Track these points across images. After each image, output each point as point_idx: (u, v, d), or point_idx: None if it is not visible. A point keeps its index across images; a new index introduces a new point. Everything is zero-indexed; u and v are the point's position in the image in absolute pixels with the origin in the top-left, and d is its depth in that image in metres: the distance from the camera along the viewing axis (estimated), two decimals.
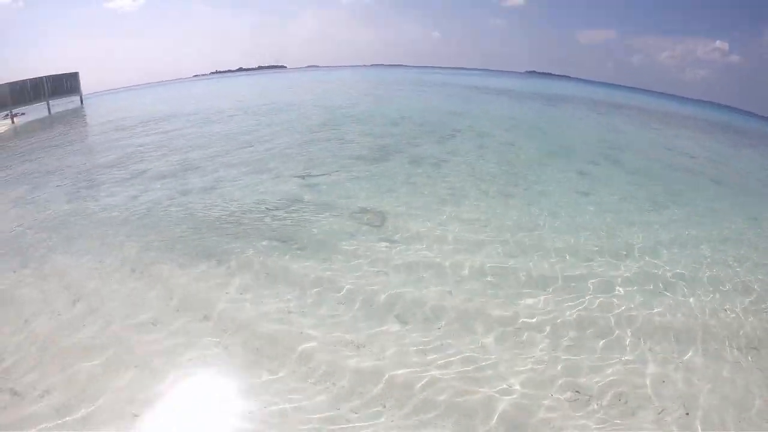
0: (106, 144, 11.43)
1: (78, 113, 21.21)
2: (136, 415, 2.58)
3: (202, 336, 3.27)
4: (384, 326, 3.36)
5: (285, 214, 5.54)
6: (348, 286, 3.91)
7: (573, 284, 4.22)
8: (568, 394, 2.85)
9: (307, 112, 14.95)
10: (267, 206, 5.86)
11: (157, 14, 72.29)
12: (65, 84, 21.73)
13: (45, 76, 20.06)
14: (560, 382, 2.95)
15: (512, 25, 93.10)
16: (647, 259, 4.87)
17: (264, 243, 4.79)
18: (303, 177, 6.94)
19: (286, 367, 2.94)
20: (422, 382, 2.83)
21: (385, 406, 2.64)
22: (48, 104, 20.88)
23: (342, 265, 4.28)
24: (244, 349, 3.12)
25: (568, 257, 4.74)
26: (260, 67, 71.79)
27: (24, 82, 18.83)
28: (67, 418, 2.53)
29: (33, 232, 5.42)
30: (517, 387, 2.87)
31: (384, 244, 4.71)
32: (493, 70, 66.43)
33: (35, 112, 20.74)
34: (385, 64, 75.04)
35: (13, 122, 19.01)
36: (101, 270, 4.33)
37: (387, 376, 2.86)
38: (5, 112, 18.66)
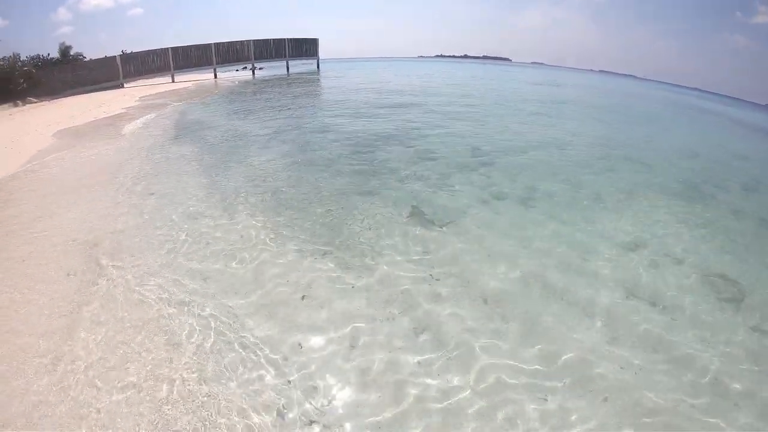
0: None
1: (313, 76, 23.05)
2: None
3: None
4: None
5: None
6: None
7: None
8: None
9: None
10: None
11: None
12: (305, 48, 24.14)
13: (287, 39, 22.64)
14: None
15: (760, 46, 62.25)
16: None
17: None
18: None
19: None
20: None
21: None
22: (287, 63, 23.64)
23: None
24: None
25: None
26: (485, 57, 68.66)
27: (267, 41, 21.65)
28: None
29: None
30: None
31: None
32: (729, 96, 52.87)
33: (274, 69, 23.94)
34: (613, 71, 61.45)
35: (253, 74, 22.39)
36: None
37: None
38: (246, 65, 22.09)
